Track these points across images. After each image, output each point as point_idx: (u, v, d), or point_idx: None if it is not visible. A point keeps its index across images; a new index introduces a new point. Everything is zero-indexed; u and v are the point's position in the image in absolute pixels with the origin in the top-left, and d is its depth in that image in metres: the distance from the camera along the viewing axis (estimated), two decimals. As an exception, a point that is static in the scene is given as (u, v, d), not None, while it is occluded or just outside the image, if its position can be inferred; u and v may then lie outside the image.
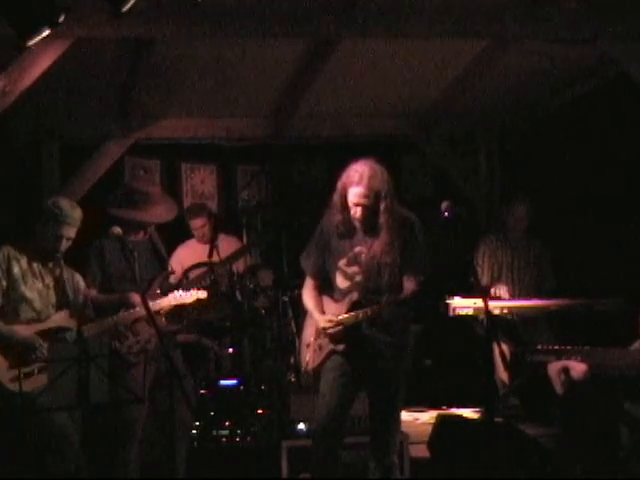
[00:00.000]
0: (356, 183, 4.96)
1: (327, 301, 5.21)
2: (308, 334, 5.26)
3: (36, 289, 5.23)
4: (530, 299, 7.22)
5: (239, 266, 7.54)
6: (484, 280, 7.36)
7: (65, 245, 5.23)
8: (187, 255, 7.60)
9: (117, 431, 5.71)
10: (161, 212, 5.86)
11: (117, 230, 5.29)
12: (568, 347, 5.28)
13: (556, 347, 5.30)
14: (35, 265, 5.26)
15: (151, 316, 5.12)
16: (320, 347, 5.14)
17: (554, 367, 5.27)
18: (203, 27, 5.84)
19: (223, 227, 8.02)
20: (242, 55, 6.84)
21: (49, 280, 5.29)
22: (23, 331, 5.09)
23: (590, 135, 7.50)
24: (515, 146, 8.84)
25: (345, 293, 5.12)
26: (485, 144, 8.94)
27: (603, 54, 6.50)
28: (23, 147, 8.25)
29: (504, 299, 7.21)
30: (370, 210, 4.99)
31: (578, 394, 5.26)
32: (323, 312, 5.18)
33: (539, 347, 5.45)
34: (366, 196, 4.96)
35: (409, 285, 5.06)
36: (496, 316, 6.81)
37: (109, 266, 5.77)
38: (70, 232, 5.22)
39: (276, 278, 7.63)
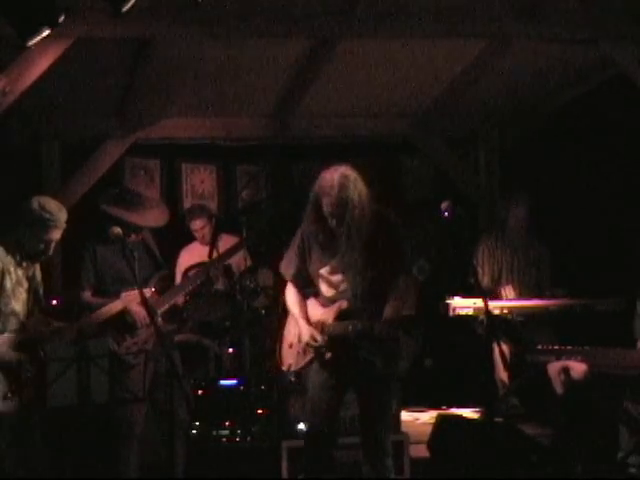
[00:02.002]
0: (327, 193, 4.87)
1: (313, 304, 5.15)
2: (291, 334, 5.20)
3: (21, 300, 5.06)
4: (530, 299, 7.22)
5: (239, 264, 7.53)
6: (486, 280, 7.36)
7: (53, 248, 5.10)
8: (190, 258, 7.60)
9: (116, 431, 5.70)
10: (151, 217, 5.84)
11: (117, 230, 5.28)
12: (568, 347, 5.28)
13: (556, 347, 5.30)
14: (19, 271, 5.08)
15: (151, 316, 5.12)
16: (304, 350, 5.09)
17: (554, 367, 5.27)
18: (203, 27, 5.85)
19: (223, 227, 8.03)
20: (242, 55, 6.84)
21: (26, 284, 5.11)
22: (4, 348, 4.89)
23: (590, 135, 7.50)
24: (515, 146, 8.84)
25: (332, 301, 5.05)
26: (485, 144, 8.94)
27: (603, 54, 6.50)
28: (23, 147, 8.24)
29: (511, 299, 7.21)
30: (344, 218, 4.87)
31: (578, 394, 5.26)
32: (308, 320, 5.09)
33: (539, 347, 5.45)
34: (337, 205, 4.85)
35: (393, 293, 4.97)
36: (496, 316, 6.82)
37: (103, 267, 5.77)
38: (59, 235, 5.07)
39: (276, 278, 7.62)
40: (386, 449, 5.09)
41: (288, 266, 5.22)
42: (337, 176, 4.90)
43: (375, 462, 5.07)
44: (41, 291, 5.24)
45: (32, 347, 4.93)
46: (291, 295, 5.21)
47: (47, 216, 5.01)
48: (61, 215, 5.07)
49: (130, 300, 5.54)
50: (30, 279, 5.15)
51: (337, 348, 4.99)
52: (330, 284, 5.05)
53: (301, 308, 5.15)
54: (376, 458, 5.07)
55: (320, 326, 5.03)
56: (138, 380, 5.18)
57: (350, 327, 4.92)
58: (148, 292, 5.66)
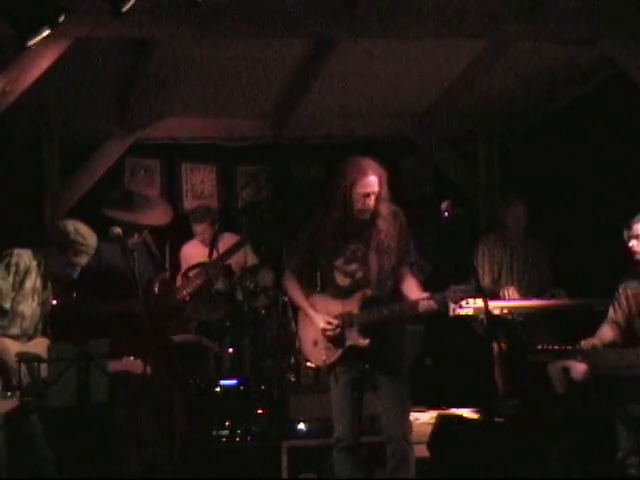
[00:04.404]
0: (370, 173, 5.08)
1: (324, 299, 5.24)
2: (311, 331, 5.27)
3: (32, 307, 5.06)
4: (530, 299, 7.22)
5: (240, 264, 7.54)
6: (486, 280, 7.35)
7: (78, 272, 5.13)
8: (192, 254, 7.61)
9: (117, 431, 5.70)
10: (156, 215, 5.84)
11: (117, 230, 5.28)
12: (568, 347, 5.28)
13: (556, 347, 5.31)
14: (38, 282, 5.09)
15: (152, 317, 5.12)
16: (335, 345, 5.18)
17: (554, 367, 5.28)
18: (203, 27, 5.84)
19: (223, 227, 8.04)
20: (242, 55, 6.84)
21: (39, 299, 5.12)
22: (8, 351, 4.91)
23: (590, 135, 7.49)
24: (515, 146, 8.83)
25: (347, 290, 5.17)
26: (485, 144, 8.94)
27: (603, 54, 6.50)
28: (23, 147, 8.24)
29: (513, 299, 7.21)
30: (381, 196, 5.12)
31: (578, 394, 5.26)
32: (315, 308, 5.24)
33: (539, 347, 5.45)
34: (378, 184, 5.09)
35: (409, 276, 5.19)
36: (496, 316, 6.81)
37: (107, 268, 5.76)
38: (86, 260, 5.12)
39: (276, 278, 7.62)
40: (408, 435, 5.22)
41: (293, 259, 5.37)
42: (367, 159, 5.15)
43: (399, 444, 5.18)
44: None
45: (29, 361, 4.93)
46: (294, 287, 5.32)
47: (80, 240, 5.05)
48: (93, 242, 5.12)
49: (130, 365, 5.46)
50: (44, 300, 5.15)
51: (370, 335, 5.11)
52: (345, 274, 5.19)
53: (307, 298, 5.26)
54: (399, 446, 5.18)
55: (347, 318, 5.15)
56: (139, 380, 5.18)
57: (386, 311, 5.08)
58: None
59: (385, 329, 5.15)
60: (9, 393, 4.78)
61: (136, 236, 5.75)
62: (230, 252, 6.64)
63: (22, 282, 5.00)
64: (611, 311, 5.49)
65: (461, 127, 8.83)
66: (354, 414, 5.18)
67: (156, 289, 5.76)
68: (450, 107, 8.25)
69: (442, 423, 5.97)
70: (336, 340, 5.15)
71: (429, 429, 5.95)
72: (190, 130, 8.45)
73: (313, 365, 5.48)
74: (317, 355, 5.26)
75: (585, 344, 5.38)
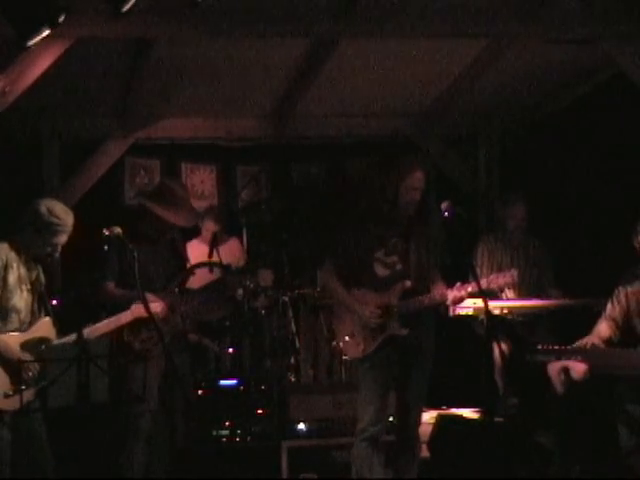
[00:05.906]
0: (418, 169, 5.36)
1: (361, 292, 5.38)
2: (348, 324, 5.42)
3: (24, 298, 5.03)
4: (530, 299, 7.22)
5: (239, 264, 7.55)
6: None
7: (59, 251, 5.09)
8: (193, 254, 7.62)
9: (123, 430, 5.68)
10: (181, 217, 5.85)
11: (117, 230, 5.28)
12: (568, 347, 5.28)
13: (556, 347, 5.30)
14: (22, 270, 5.05)
15: (152, 318, 5.11)
16: (373, 335, 5.32)
17: (554, 367, 5.26)
18: (203, 27, 5.84)
19: (223, 227, 8.05)
20: (242, 55, 6.84)
21: (29, 284, 5.09)
22: (10, 347, 4.90)
23: (590, 135, 7.49)
24: (515, 146, 8.83)
25: (386, 281, 5.34)
26: (485, 144, 8.94)
27: (603, 54, 6.50)
28: (23, 147, 8.24)
29: (513, 299, 7.21)
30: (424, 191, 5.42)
31: (578, 394, 5.26)
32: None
33: (539, 347, 5.45)
34: (425, 180, 5.39)
35: (439, 280, 5.41)
36: (496, 316, 6.82)
37: (128, 263, 5.74)
38: (65, 239, 5.06)
39: (276, 278, 7.63)
40: (416, 430, 5.44)
41: (336, 251, 5.50)
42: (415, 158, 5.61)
43: (415, 444, 5.42)
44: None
45: (35, 348, 4.94)
46: (336, 281, 5.46)
47: (55, 221, 4.99)
48: (69, 219, 5.06)
49: (140, 312, 5.45)
50: (34, 282, 5.13)
51: (409, 325, 5.31)
52: (385, 265, 5.41)
53: (349, 293, 5.41)
54: (415, 443, 5.43)
55: (386, 308, 5.32)
56: (140, 378, 5.17)
57: (426, 300, 5.31)
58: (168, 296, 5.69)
59: (421, 320, 5.36)
60: (23, 387, 4.77)
61: (167, 234, 5.80)
62: (245, 271, 6.79)
63: (5, 278, 4.96)
64: (609, 307, 5.49)
65: (461, 127, 8.83)
66: (381, 406, 5.31)
67: (176, 288, 5.79)
68: (450, 107, 8.25)
69: (442, 423, 5.97)
70: (377, 330, 5.30)
71: (429, 429, 5.95)
72: (190, 130, 8.44)
73: (348, 358, 5.80)
74: (354, 347, 5.39)
75: (582, 344, 5.38)
